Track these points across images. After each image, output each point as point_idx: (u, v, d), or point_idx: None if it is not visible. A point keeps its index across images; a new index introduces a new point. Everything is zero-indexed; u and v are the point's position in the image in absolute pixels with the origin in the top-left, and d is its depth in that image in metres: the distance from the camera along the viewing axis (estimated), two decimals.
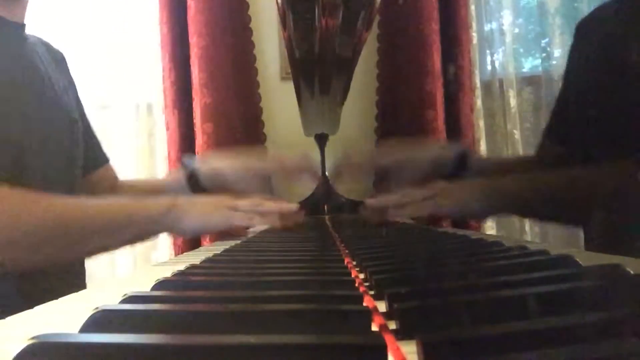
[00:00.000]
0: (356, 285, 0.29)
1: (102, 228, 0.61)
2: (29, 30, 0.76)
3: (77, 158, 0.80)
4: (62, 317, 0.28)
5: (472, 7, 1.39)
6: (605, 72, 0.74)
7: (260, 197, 0.71)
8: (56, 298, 0.32)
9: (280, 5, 0.81)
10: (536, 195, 0.73)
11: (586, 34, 0.83)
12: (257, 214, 0.68)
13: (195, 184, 0.86)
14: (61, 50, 0.88)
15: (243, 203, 0.68)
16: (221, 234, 0.93)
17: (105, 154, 0.94)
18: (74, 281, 0.77)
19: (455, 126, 1.36)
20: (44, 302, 0.30)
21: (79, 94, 0.89)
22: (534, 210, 0.81)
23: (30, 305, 0.29)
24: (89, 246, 0.62)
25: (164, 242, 1.36)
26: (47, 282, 0.67)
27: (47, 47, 0.84)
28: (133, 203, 0.65)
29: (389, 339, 0.20)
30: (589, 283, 0.26)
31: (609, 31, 0.76)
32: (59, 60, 0.86)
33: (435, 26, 1.35)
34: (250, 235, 0.75)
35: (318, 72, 0.86)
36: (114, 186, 0.92)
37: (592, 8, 0.88)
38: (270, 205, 0.69)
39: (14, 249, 0.55)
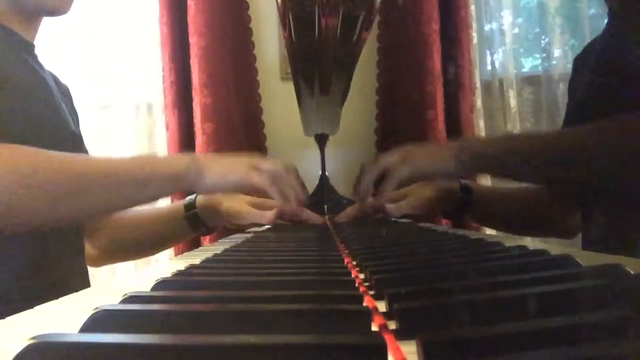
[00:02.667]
0: (356, 285, 0.29)
1: (123, 184, 0.59)
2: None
3: None
4: (62, 317, 0.28)
5: (472, 7, 1.39)
6: (604, 82, 0.73)
7: (284, 168, 0.68)
8: (59, 297, 0.32)
9: (280, 5, 0.81)
10: (524, 152, 0.65)
11: (582, 62, 0.83)
12: (274, 184, 0.66)
13: (193, 216, 0.85)
14: (67, 85, 0.89)
15: (266, 166, 0.66)
16: (224, 230, 0.93)
17: None
18: (77, 280, 0.77)
19: (455, 126, 1.36)
20: (46, 301, 0.30)
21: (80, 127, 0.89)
22: (519, 171, 0.69)
23: (32, 305, 0.29)
24: (109, 202, 0.61)
25: None
26: (49, 280, 0.67)
27: (54, 78, 0.85)
28: (154, 159, 0.64)
29: (389, 339, 0.20)
30: (589, 283, 0.26)
31: (603, 49, 0.75)
32: (65, 92, 0.87)
33: (435, 26, 1.35)
34: (250, 235, 0.75)
35: (318, 72, 0.86)
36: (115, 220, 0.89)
37: (592, 8, 0.88)
38: (289, 185, 0.67)
39: (34, 203, 0.53)
